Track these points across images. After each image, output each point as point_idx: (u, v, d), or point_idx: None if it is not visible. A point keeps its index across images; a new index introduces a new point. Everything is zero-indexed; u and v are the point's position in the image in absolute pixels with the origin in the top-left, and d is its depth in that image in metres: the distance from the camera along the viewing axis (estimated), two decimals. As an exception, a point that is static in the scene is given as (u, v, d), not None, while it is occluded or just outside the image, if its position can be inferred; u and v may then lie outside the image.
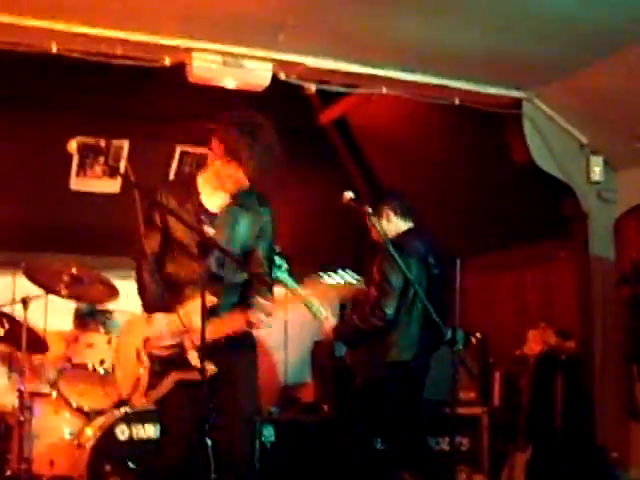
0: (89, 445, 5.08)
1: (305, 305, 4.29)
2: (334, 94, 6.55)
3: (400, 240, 5.04)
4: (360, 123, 7.76)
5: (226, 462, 3.59)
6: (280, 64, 5.17)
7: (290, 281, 4.30)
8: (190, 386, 3.62)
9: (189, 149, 7.45)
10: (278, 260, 4.19)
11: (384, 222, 5.16)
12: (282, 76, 5.25)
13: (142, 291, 3.86)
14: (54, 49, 4.76)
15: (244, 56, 5.06)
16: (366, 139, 7.88)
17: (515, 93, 5.81)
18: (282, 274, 4.24)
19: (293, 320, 7.86)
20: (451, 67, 5.41)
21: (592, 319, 5.97)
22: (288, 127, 7.44)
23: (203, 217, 3.80)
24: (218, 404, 3.51)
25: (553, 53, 5.12)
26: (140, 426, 5.16)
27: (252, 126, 3.82)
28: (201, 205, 3.87)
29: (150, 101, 6.80)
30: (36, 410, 5.59)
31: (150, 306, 3.79)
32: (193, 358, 3.63)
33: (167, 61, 4.99)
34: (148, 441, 5.15)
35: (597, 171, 6.02)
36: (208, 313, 3.49)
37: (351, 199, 4.16)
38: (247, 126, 3.80)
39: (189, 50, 4.96)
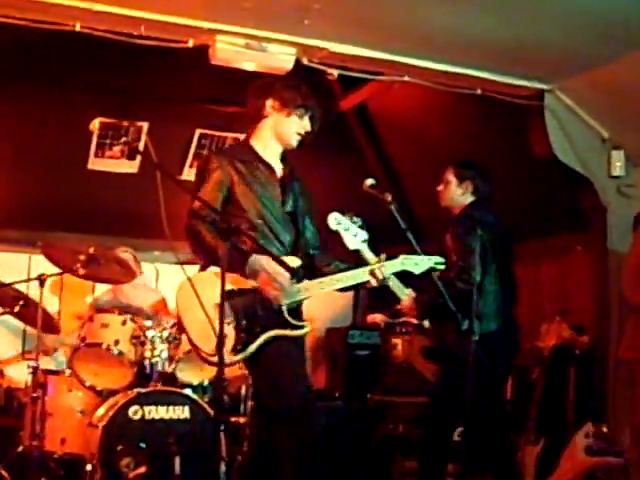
0: (101, 424, 5.09)
1: (384, 281, 4.23)
2: (355, 81, 6.53)
3: (472, 209, 5.28)
4: (380, 111, 7.74)
5: None
6: (303, 48, 5.14)
7: (371, 254, 4.24)
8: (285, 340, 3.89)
9: (208, 132, 7.45)
10: (359, 231, 4.17)
11: (459, 191, 5.36)
12: (305, 60, 5.23)
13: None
14: (78, 28, 4.75)
15: (268, 39, 5.04)
16: (386, 127, 7.86)
17: (538, 84, 5.76)
18: (362, 245, 4.20)
19: (306, 306, 7.88)
20: (474, 56, 5.37)
21: (608, 314, 5.93)
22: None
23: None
24: None
25: (578, 46, 5.07)
26: (153, 407, 5.16)
27: (300, 85, 4.24)
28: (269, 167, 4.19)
29: (170, 83, 6.80)
30: (49, 388, 5.61)
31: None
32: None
33: (190, 42, 4.97)
34: (160, 421, 5.16)
35: (618, 166, 5.97)
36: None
37: (371, 186, 4.17)
38: (297, 85, 4.23)
39: (213, 32, 4.93)
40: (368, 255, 4.15)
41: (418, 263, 4.20)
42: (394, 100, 7.30)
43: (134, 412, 5.13)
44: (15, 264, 6.96)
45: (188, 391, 5.42)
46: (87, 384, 5.60)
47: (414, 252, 4.18)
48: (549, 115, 5.82)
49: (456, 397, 4.57)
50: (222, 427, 3.82)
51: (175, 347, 5.57)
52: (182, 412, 5.22)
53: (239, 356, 3.86)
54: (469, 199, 5.37)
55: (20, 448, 5.56)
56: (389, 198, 4.18)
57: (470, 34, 4.97)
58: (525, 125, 6.03)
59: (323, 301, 8.29)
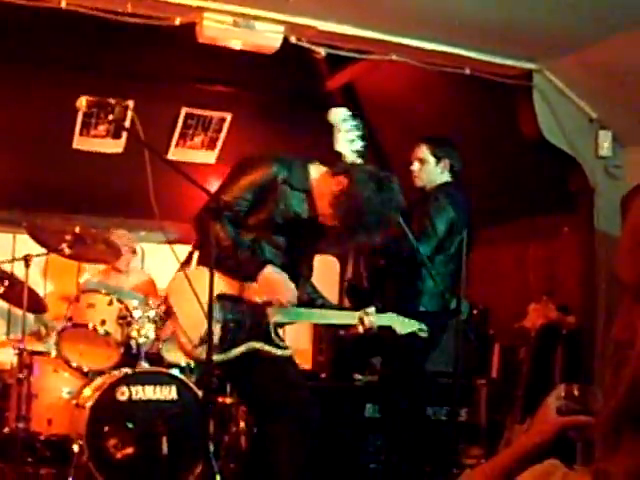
0: (88, 405, 5.06)
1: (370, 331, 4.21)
2: (342, 60, 6.50)
3: (447, 189, 5.17)
4: (367, 91, 7.71)
5: None
6: (291, 27, 5.10)
7: None
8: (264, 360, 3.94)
9: (194, 111, 7.40)
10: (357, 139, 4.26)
11: (438, 169, 5.22)
12: (293, 39, 5.18)
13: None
14: (63, 5, 4.68)
15: (255, 17, 4.99)
16: (372, 107, 7.83)
17: (526, 64, 5.74)
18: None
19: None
20: (463, 36, 5.35)
21: (595, 294, 5.95)
22: (294, 92, 7.48)
23: None
24: None
25: (567, 26, 5.06)
26: (140, 387, 5.14)
27: (377, 183, 3.89)
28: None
29: (157, 61, 6.75)
30: (35, 369, 5.58)
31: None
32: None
33: (177, 20, 4.92)
34: (148, 402, 5.14)
35: (605, 146, 5.98)
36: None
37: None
38: (374, 181, 3.89)
39: (200, 9, 4.88)
40: None
41: (404, 324, 4.20)
42: (381, 79, 7.27)
43: (121, 393, 5.10)
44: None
45: (175, 371, 5.40)
46: (73, 365, 5.56)
47: (404, 235, 4.18)
48: (537, 95, 5.81)
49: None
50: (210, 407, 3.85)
51: (162, 327, 5.54)
52: (169, 392, 5.19)
53: (221, 356, 3.87)
54: (444, 178, 5.26)
55: (6, 429, 5.53)
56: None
57: (459, 13, 4.94)
58: (513, 105, 6.01)
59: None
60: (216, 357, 3.78)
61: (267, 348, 3.97)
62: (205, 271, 3.68)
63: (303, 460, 3.97)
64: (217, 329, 3.85)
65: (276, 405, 3.96)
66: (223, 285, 3.91)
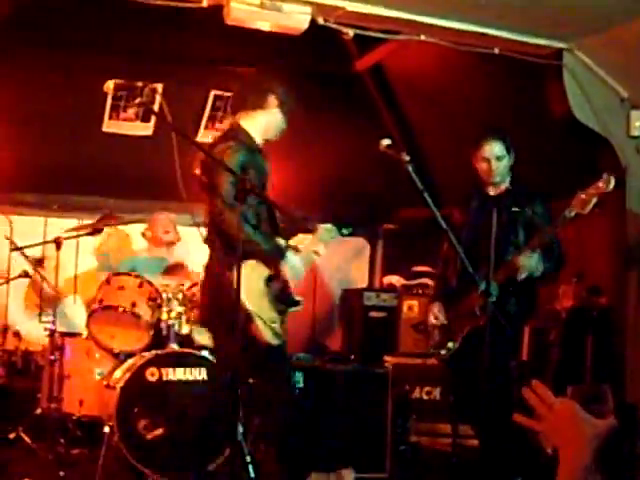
0: (118, 386, 5.11)
1: None
2: (370, 41, 6.46)
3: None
4: (396, 71, 7.67)
5: None
6: (319, 7, 5.06)
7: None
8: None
9: (223, 93, 7.40)
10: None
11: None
12: (320, 20, 5.15)
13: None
14: (92, -13, 4.71)
15: (283, -2, 4.98)
16: (401, 88, 7.79)
17: (556, 44, 5.68)
18: None
19: (322, 267, 7.87)
20: (492, 15, 5.29)
21: (626, 275, 5.90)
22: (323, 73, 7.45)
23: None
24: None
25: (597, 4, 4.99)
26: (170, 368, 5.17)
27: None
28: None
29: (185, 44, 6.74)
30: (67, 350, 5.64)
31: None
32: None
33: (205, 2, 4.91)
34: (178, 383, 5.17)
35: (637, 126, 5.90)
36: None
37: (388, 146, 4.12)
38: (290, 90, 4.55)
39: (227, -10, 4.88)
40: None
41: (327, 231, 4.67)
42: (410, 60, 7.23)
43: (151, 374, 5.14)
44: (31, 228, 6.97)
45: (205, 353, 5.43)
46: (104, 346, 5.61)
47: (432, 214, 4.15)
48: (567, 74, 5.75)
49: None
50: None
51: (191, 309, 5.57)
52: (199, 374, 5.23)
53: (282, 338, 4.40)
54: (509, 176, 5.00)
55: (38, 410, 5.60)
56: (406, 158, 4.13)
57: (488, -8, 4.90)
58: (543, 85, 5.95)
59: (339, 263, 8.31)
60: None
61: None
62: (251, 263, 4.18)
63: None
64: (275, 314, 4.36)
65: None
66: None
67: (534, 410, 1.87)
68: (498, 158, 4.89)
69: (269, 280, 4.33)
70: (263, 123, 4.48)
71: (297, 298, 4.44)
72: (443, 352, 4.93)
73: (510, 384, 4.74)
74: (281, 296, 4.36)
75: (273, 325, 4.30)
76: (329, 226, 4.67)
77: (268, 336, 4.28)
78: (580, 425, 1.78)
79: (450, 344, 4.87)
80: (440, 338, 4.99)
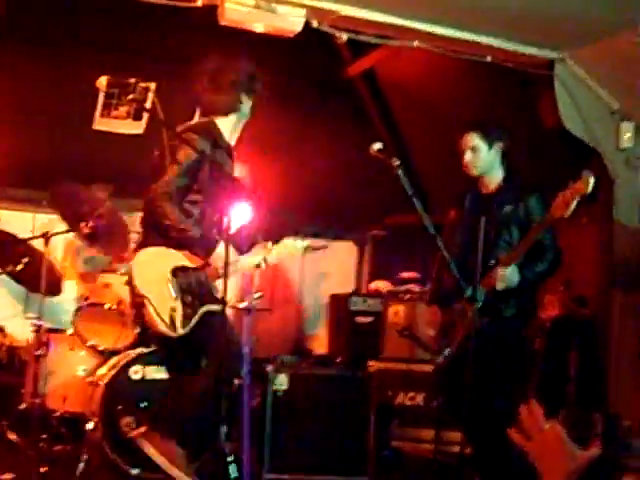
0: (102, 383, 5.11)
1: None
2: (364, 46, 6.47)
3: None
4: (389, 77, 7.69)
5: None
6: (313, 11, 5.09)
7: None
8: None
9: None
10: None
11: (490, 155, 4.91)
12: (314, 23, 5.17)
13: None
14: (86, -16, 4.72)
15: (277, 0, 4.99)
16: (394, 93, 7.82)
17: (548, 53, 5.71)
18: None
19: (309, 271, 7.87)
20: (485, 23, 5.33)
21: (612, 286, 5.92)
22: (316, 77, 7.46)
23: None
24: None
25: (590, 14, 5.01)
26: (154, 367, 5.17)
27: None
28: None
29: (178, 43, 6.75)
30: (51, 346, 5.62)
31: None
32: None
33: (199, 1, 4.93)
34: (161, 382, 5.16)
35: (627, 138, 5.93)
36: None
37: (379, 150, 4.14)
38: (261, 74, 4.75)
39: (222, -10, 4.89)
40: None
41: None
42: (403, 66, 7.25)
43: (135, 372, 5.14)
44: (20, 223, 6.94)
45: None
46: (89, 343, 5.60)
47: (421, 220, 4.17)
48: (559, 85, 5.78)
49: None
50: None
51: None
52: (183, 373, 5.22)
53: (186, 329, 4.21)
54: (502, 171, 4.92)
55: (22, 406, 5.58)
56: (396, 163, 4.15)
57: (481, 1, 4.92)
58: (534, 94, 5.98)
59: (326, 268, 8.31)
60: (182, 330, 4.19)
61: (216, 307, 4.23)
62: (156, 250, 4.22)
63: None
64: (179, 304, 4.21)
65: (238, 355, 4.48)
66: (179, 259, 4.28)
67: (526, 429, 1.89)
68: (473, 149, 4.82)
69: (180, 270, 4.26)
70: (236, 121, 4.63)
71: (219, 297, 4.24)
72: (439, 359, 4.88)
73: (510, 391, 4.72)
74: (196, 289, 4.28)
75: (172, 314, 4.17)
76: (293, 242, 4.63)
77: (161, 325, 4.17)
78: (562, 455, 1.82)
79: (446, 351, 4.83)
80: (439, 345, 4.93)
